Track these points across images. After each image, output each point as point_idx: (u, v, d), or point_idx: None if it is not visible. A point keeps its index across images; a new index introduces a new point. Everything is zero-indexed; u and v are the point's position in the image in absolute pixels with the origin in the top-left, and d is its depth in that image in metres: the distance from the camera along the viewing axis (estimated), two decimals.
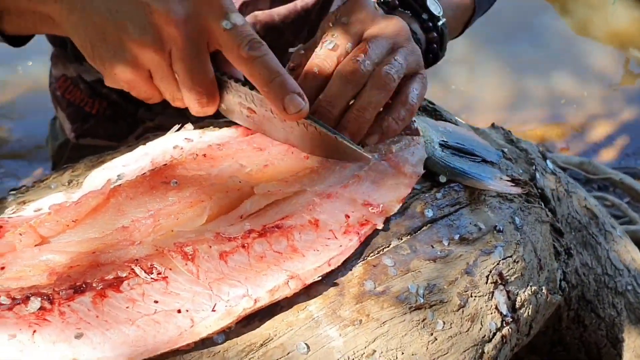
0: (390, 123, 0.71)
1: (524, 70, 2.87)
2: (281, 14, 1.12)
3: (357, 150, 0.69)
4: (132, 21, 0.65)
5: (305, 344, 0.58)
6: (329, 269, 0.62)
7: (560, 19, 3.24)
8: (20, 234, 0.62)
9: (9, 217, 0.66)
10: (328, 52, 0.72)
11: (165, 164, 0.70)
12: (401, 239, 0.66)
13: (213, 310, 0.57)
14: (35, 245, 0.62)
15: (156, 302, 0.56)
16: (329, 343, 0.59)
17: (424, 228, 0.68)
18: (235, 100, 0.72)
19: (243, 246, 0.60)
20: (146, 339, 0.55)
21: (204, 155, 0.71)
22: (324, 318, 0.60)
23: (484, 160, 0.78)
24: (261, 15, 1.13)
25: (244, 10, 1.12)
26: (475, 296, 0.66)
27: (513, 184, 0.75)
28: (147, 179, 0.68)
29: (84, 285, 0.56)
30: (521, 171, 0.87)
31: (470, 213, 0.71)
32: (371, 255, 0.65)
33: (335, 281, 0.62)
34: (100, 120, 1.24)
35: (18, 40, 0.80)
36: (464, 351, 0.64)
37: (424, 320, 0.63)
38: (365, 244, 0.65)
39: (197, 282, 0.57)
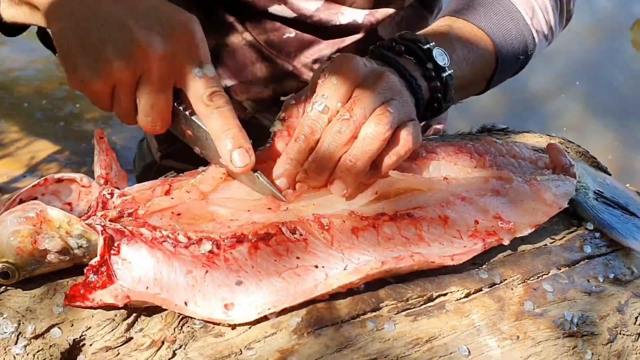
0: (385, 160, 0.72)
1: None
2: None
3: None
4: (113, 41, 0.68)
5: (467, 347, 0.62)
6: (451, 263, 0.67)
7: None
8: (187, 192, 0.71)
9: (172, 177, 0.76)
10: (318, 114, 0.73)
11: None
12: (560, 269, 0.70)
13: (344, 269, 0.64)
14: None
15: (298, 258, 0.64)
16: (488, 351, 0.63)
17: (582, 262, 0.71)
18: (188, 132, 0.75)
19: (373, 226, 0.67)
20: (289, 289, 0.62)
21: None
22: (485, 328, 0.64)
23: (636, 216, 0.80)
24: None
25: None
26: (624, 334, 0.69)
27: None
28: None
29: (242, 236, 0.64)
30: None
31: (625, 257, 0.74)
32: (532, 279, 0.69)
33: (497, 297, 0.66)
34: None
35: (12, 30, 0.84)
36: None
37: (574, 347, 0.66)
38: (527, 268, 0.69)
39: (331, 247, 0.65)
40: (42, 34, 0.83)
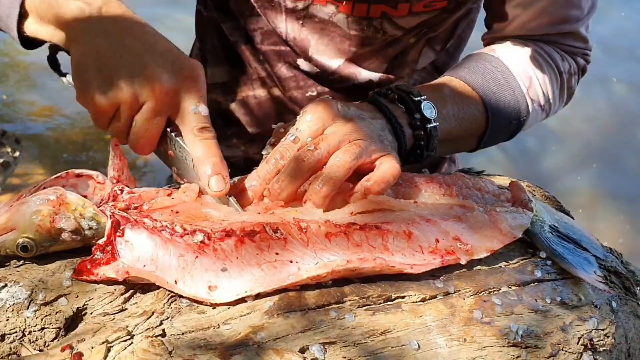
0: (366, 185, 0.82)
1: None
2: None
3: None
4: (128, 70, 0.79)
5: (417, 342, 0.71)
6: (410, 270, 0.76)
7: None
8: (184, 192, 0.82)
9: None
10: (290, 143, 0.84)
11: None
12: (510, 287, 0.78)
13: (315, 264, 0.73)
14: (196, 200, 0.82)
15: (277, 253, 0.74)
16: (437, 349, 0.71)
17: (532, 284, 0.80)
18: (170, 152, 0.85)
19: (345, 233, 0.76)
20: (265, 278, 0.72)
21: None
22: (435, 328, 0.72)
23: (588, 251, 0.88)
24: None
25: None
26: (566, 351, 0.76)
27: (603, 282, 0.84)
28: None
29: (231, 231, 0.74)
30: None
31: (574, 285, 0.82)
32: (483, 292, 0.77)
33: (450, 304, 0.75)
34: None
35: (29, 43, 0.94)
36: None
37: (518, 357, 0.73)
38: (480, 283, 0.77)
39: (307, 247, 0.75)
40: (51, 58, 0.94)
